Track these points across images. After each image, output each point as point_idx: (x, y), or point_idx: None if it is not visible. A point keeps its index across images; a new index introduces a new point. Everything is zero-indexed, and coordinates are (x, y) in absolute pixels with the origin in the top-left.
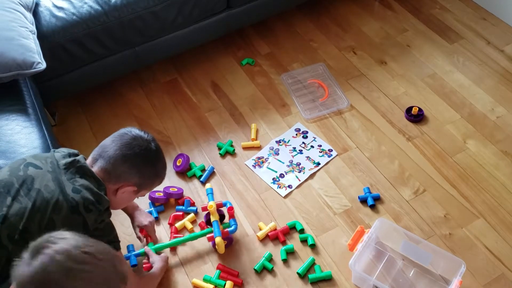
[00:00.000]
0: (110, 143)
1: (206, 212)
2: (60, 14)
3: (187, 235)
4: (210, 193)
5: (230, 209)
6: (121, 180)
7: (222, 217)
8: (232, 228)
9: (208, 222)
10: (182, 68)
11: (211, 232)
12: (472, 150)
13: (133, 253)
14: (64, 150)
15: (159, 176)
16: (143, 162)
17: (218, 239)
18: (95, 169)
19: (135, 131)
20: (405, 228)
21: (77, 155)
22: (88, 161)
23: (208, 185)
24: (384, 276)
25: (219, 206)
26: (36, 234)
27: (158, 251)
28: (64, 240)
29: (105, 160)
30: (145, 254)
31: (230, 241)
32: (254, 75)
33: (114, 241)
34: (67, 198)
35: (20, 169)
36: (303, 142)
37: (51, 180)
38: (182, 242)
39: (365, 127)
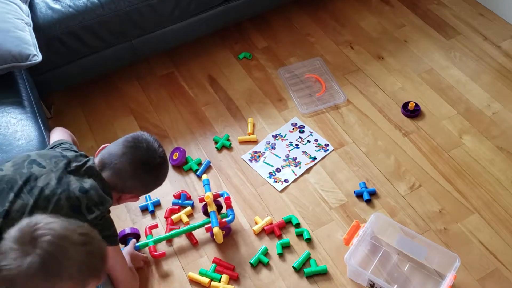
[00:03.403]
0: (121, 155)
1: (204, 203)
2: (56, 6)
3: (173, 231)
4: (207, 184)
5: (227, 199)
6: (126, 190)
7: (219, 207)
8: (230, 218)
9: (205, 213)
10: (179, 61)
11: (209, 222)
12: (468, 145)
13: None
14: (69, 148)
15: (160, 185)
16: (152, 179)
17: (216, 229)
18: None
19: (148, 142)
20: (400, 223)
21: (85, 156)
22: (96, 162)
23: (204, 176)
24: (379, 271)
25: (216, 196)
26: None
27: (156, 243)
28: (54, 225)
29: (114, 172)
30: (144, 247)
31: (228, 231)
32: (251, 69)
33: (112, 235)
34: (70, 197)
35: (24, 166)
36: (300, 137)
37: (54, 179)
38: (181, 234)
39: (361, 122)
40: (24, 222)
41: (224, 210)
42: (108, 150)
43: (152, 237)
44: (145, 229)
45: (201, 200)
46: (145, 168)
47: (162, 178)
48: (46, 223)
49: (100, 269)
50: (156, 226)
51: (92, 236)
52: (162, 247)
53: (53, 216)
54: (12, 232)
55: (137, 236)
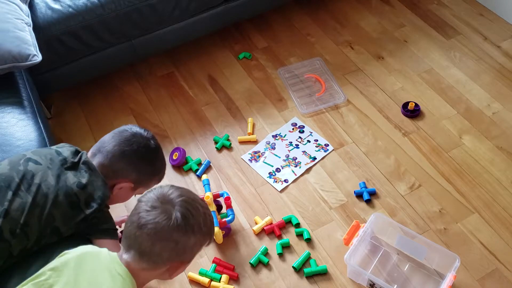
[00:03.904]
0: (109, 139)
1: None
2: (56, 6)
3: None
4: (207, 184)
5: (227, 199)
6: (118, 176)
7: (219, 207)
8: (230, 218)
9: None
10: (179, 61)
11: None
12: (467, 145)
13: None
14: (65, 145)
15: (157, 174)
16: (141, 159)
17: (215, 229)
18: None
19: (135, 128)
20: (400, 223)
21: (79, 151)
22: (88, 156)
23: (204, 176)
24: (379, 270)
25: (216, 196)
26: (35, 228)
27: None
28: (182, 190)
29: (103, 155)
30: None
31: (228, 231)
32: (251, 69)
33: (112, 229)
34: (69, 194)
35: (20, 163)
36: (300, 137)
37: (51, 176)
38: None
39: (361, 122)
40: (156, 189)
41: (224, 210)
42: (99, 140)
43: None
44: None
45: None
46: (133, 147)
47: (155, 163)
48: (176, 189)
49: (213, 231)
50: None
51: (206, 203)
52: None
53: (176, 186)
54: (150, 196)
55: None
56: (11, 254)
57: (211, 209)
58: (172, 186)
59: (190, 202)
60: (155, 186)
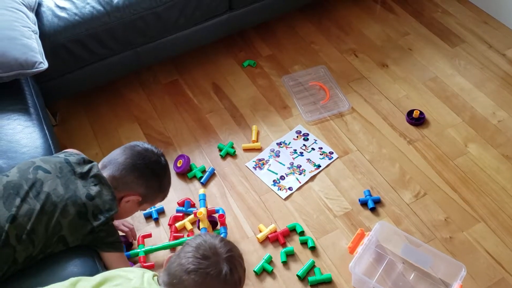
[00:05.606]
0: (120, 152)
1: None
2: (63, 14)
3: (166, 242)
4: (202, 199)
5: (221, 216)
6: (127, 188)
7: (214, 223)
8: (222, 236)
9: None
10: (183, 69)
11: None
12: (473, 153)
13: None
14: (74, 154)
15: (163, 191)
16: (152, 174)
17: None
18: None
19: (146, 144)
20: (405, 231)
21: (91, 161)
22: (100, 166)
23: (201, 191)
24: (384, 279)
25: (211, 212)
26: (42, 235)
27: (147, 254)
28: (229, 246)
29: (114, 167)
30: (135, 256)
31: None
32: (255, 77)
33: (116, 242)
34: (78, 203)
35: (30, 172)
36: (304, 144)
37: (60, 185)
38: (172, 247)
39: (366, 130)
40: (207, 238)
41: (219, 227)
42: (109, 154)
43: (143, 246)
44: (138, 238)
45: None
46: (145, 161)
47: (164, 179)
48: (225, 243)
49: (243, 281)
50: (149, 236)
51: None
52: (167, 254)
53: (224, 239)
54: (200, 243)
55: (128, 243)
56: (16, 260)
57: (203, 226)
58: (222, 238)
59: (236, 258)
60: (205, 233)
